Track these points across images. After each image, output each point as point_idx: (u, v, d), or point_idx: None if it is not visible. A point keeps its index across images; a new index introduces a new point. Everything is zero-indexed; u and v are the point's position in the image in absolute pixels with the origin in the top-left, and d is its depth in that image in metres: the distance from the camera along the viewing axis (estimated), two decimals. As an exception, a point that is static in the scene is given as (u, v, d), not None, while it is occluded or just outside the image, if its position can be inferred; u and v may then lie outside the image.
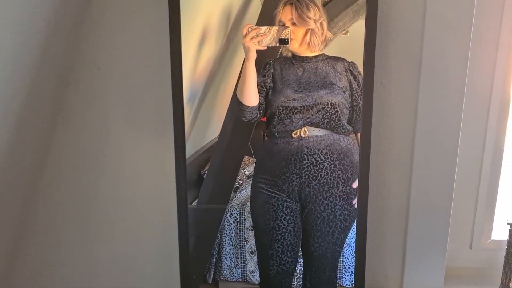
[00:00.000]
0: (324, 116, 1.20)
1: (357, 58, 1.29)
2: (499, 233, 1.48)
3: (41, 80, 1.14)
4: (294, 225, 1.28)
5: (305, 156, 1.21)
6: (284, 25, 1.19)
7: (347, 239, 1.35)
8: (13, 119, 1.08)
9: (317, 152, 1.21)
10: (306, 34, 1.20)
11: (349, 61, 1.24)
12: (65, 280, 1.50)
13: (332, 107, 1.19)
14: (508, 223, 1.31)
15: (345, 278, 1.41)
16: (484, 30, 1.29)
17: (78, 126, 1.36)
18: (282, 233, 1.29)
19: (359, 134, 1.25)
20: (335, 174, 1.22)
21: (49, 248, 1.47)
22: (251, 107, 1.22)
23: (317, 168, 1.21)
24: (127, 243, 1.47)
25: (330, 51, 1.28)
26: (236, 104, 1.23)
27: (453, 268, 1.47)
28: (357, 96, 1.23)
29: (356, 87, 1.22)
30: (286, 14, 1.19)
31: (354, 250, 1.32)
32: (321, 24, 1.20)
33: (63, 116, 1.35)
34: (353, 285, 1.38)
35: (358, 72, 1.23)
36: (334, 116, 1.20)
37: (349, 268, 1.40)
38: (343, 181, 1.23)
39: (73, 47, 1.27)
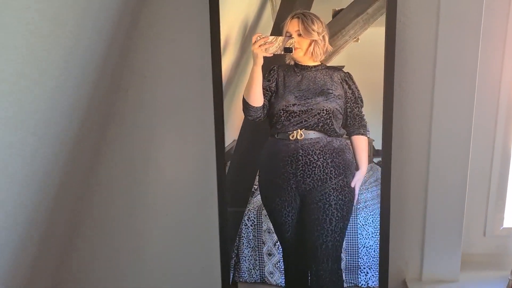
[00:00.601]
0: (319, 120, 1.29)
1: (368, 64, 1.37)
2: (510, 221, 1.52)
3: (96, 88, 1.24)
4: (298, 218, 1.38)
5: (300, 157, 1.31)
6: (290, 35, 1.28)
7: (362, 240, 1.42)
8: (76, 122, 1.18)
9: (311, 153, 1.31)
10: (310, 44, 1.29)
11: (345, 71, 1.33)
12: (114, 267, 1.59)
13: (327, 112, 1.29)
14: (518, 210, 1.37)
15: (360, 278, 1.45)
16: (492, 34, 1.34)
17: (127, 128, 1.45)
18: (288, 227, 1.39)
19: (353, 137, 1.35)
20: (327, 170, 1.31)
21: (99, 240, 1.56)
22: (256, 107, 1.31)
23: (311, 167, 1.31)
24: (170, 234, 1.54)
25: (342, 57, 1.35)
26: (243, 104, 1.33)
27: (469, 255, 1.52)
28: (351, 103, 1.32)
29: (351, 95, 1.32)
30: (293, 26, 1.28)
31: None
32: (323, 37, 1.29)
33: (114, 119, 1.44)
34: (368, 285, 1.44)
35: (353, 82, 1.32)
36: (328, 121, 1.29)
37: (364, 268, 1.44)
38: (335, 175, 1.32)
39: (123, 58, 1.37)
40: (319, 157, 1.31)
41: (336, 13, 1.33)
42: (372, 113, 1.40)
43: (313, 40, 1.29)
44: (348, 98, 1.32)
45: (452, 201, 1.39)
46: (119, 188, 1.50)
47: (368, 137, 1.42)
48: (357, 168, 1.37)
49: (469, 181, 1.37)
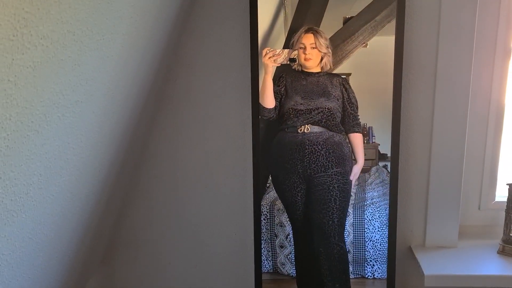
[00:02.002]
0: (322, 117, 1.45)
1: (375, 66, 1.49)
2: (501, 196, 1.59)
3: (149, 78, 1.34)
4: (305, 199, 1.51)
5: (307, 147, 1.46)
6: (305, 48, 1.43)
7: (368, 234, 1.51)
8: (131, 106, 1.27)
9: (315, 144, 1.46)
10: (321, 56, 1.44)
11: (343, 77, 1.47)
12: (159, 232, 1.68)
13: (328, 110, 1.45)
14: (507, 184, 1.47)
15: (367, 270, 1.53)
16: (483, 44, 1.46)
17: (174, 113, 1.56)
18: (298, 206, 1.52)
19: (350, 135, 1.49)
20: (330, 159, 1.46)
21: (146, 212, 1.67)
22: (269, 108, 1.48)
23: (315, 155, 1.46)
24: (208, 204, 1.64)
25: (351, 62, 1.47)
26: (259, 107, 1.48)
27: (466, 226, 1.61)
28: (347, 104, 1.47)
29: (347, 97, 1.47)
30: (308, 39, 1.43)
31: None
32: (330, 50, 1.44)
33: (163, 105, 1.56)
34: (374, 276, 1.52)
35: (349, 85, 1.47)
36: (329, 117, 1.46)
37: (370, 261, 1.52)
38: (336, 164, 1.46)
39: (172, 52, 1.48)
40: (322, 147, 1.45)
41: (346, 20, 1.45)
42: (377, 118, 1.53)
43: (324, 53, 1.44)
44: (345, 99, 1.47)
45: (450, 179, 1.48)
46: (167, 162, 1.61)
47: (369, 143, 1.55)
48: (355, 162, 1.50)
49: (465, 162, 1.47)
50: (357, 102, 1.48)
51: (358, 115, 1.48)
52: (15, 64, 0.67)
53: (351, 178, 1.48)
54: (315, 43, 1.43)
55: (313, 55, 1.45)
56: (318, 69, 1.47)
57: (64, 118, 0.89)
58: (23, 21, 0.65)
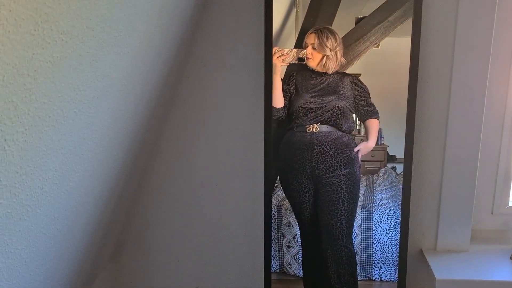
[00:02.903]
0: (332, 115, 1.45)
1: (387, 67, 1.50)
2: None
3: (163, 76, 1.35)
4: (313, 200, 1.51)
5: (315, 147, 1.46)
6: (307, 47, 1.43)
7: (376, 236, 1.51)
8: (145, 103, 1.28)
9: (324, 144, 1.46)
10: (322, 58, 1.44)
11: (353, 75, 1.46)
12: (168, 229, 1.70)
13: (338, 109, 1.45)
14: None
15: (374, 272, 1.53)
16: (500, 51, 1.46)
17: (186, 111, 1.58)
18: (306, 207, 1.53)
19: (367, 121, 1.48)
20: (338, 159, 1.46)
21: (156, 209, 1.68)
22: (278, 108, 1.48)
23: (324, 155, 1.46)
24: (217, 202, 1.64)
25: (362, 62, 1.47)
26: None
27: (478, 230, 1.61)
28: (360, 96, 1.46)
29: (358, 92, 1.46)
30: (310, 39, 1.44)
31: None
32: (335, 52, 1.43)
33: (176, 103, 1.57)
34: (382, 279, 1.52)
35: (360, 82, 1.46)
36: (339, 116, 1.45)
37: (378, 263, 1.52)
38: (344, 164, 1.46)
39: (186, 50, 1.49)
40: (331, 147, 1.45)
41: (358, 20, 1.45)
42: (387, 119, 1.52)
43: (325, 55, 1.44)
44: (357, 94, 1.46)
45: (464, 182, 1.48)
46: (178, 160, 1.62)
47: (378, 144, 1.54)
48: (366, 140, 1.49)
49: (479, 166, 1.46)
50: (369, 94, 1.47)
51: (373, 104, 1.47)
52: (35, 59, 0.67)
53: (355, 150, 1.47)
54: (315, 43, 1.43)
55: (314, 56, 1.45)
56: (324, 69, 1.47)
57: (80, 113, 0.90)
58: (45, 16, 0.65)
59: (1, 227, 0.80)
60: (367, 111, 1.48)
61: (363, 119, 1.50)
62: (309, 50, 1.44)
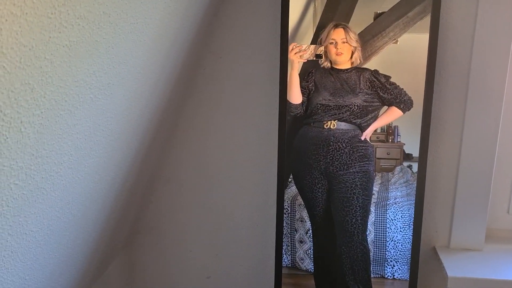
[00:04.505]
0: (350, 113, 1.44)
1: (404, 64, 1.49)
2: None
3: (178, 65, 1.35)
4: (326, 196, 1.51)
5: (331, 143, 1.46)
6: (336, 43, 1.43)
7: (390, 234, 1.51)
8: (160, 92, 1.29)
9: (340, 141, 1.46)
10: (352, 51, 1.44)
11: (372, 70, 1.45)
12: (181, 219, 1.71)
13: (357, 107, 1.44)
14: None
15: (387, 270, 1.53)
16: None
17: (201, 102, 1.59)
18: (318, 202, 1.53)
19: (390, 107, 1.45)
20: (353, 157, 1.46)
21: (169, 199, 1.69)
22: (296, 104, 1.49)
23: (339, 152, 1.46)
24: (231, 193, 1.65)
25: (380, 58, 1.46)
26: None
27: (493, 229, 1.59)
28: (383, 88, 1.44)
29: (380, 84, 1.44)
30: (339, 34, 1.43)
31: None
32: (359, 45, 1.44)
33: (191, 93, 1.58)
34: (394, 277, 1.51)
35: (379, 75, 1.44)
36: (358, 113, 1.45)
37: (391, 261, 1.52)
38: (359, 161, 1.46)
39: (202, 41, 1.51)
40: (347, 145, 1.45)
41: (377, 16, 1.44)
42: (403, 117, 1.48)
43: (354, 47, 1.44)
44: (378, 87, 1.44)
45: (479, 180, 1.47)
46: (192, 151, 1.63)
47: (394, 142, 1.54)
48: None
49: (496, 164, 1.45)
50: (393, 85, 1.44)
51: (399, 94, 1.44)
52: (51, 42, 0.68)
53: (362, 138, 1.47)
54: (346, 38, 1.43)
55: (345, 50, 1.45)
56: (347, 65, 1.46)
57: (96, 99, 0.91)
58: (62, -1, 0.66)
59: (16, 208, 0.82)
60: (391, 102, 1.46)
61: (389, 105, 1.48)
62: (340, 45, 1.43)
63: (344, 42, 1.44)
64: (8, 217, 0.80)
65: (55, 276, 1.14)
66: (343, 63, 1.47)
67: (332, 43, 1.44)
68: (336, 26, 1.43)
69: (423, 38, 1.37)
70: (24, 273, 0.97)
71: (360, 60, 1.45)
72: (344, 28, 1.43)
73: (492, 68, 1.39)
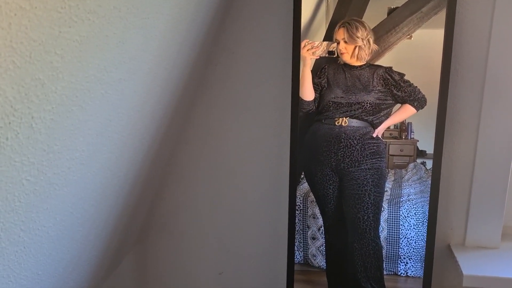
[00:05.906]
0: (362, 111, 1.44)
1: (418, 60, 1.47)
2: None
3: (189, 61, 1.35)
4: (337, 193, 1.51)
5: (342, 140, 1.45)
6: (338, 42, 1.43)
7: (403, 231, 1.49)
8: (171, 88, 1.29)
9: (351, 138, 1.45)
10: (355, 49, 1.43)
11: (386, 67, 1.44)
12: (192, 214, 1.70)
13: (369, 104, 1.43)
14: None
15: (400, 267, 1.51)
16: None
17: (212, 98, 1.57)
18: (330, 199, 1.53)
19: (404, 104, 1.43)
20: (364, 153, 1.45)
21: (181, 196, 1.69)
22: (308, 101, 1.48)
23: (351, 149, 1.45)
24: (241, 191, 1.64)
25: (393, 54, 1.44)
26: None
27: (509, 227, 1.55)
28: (396, 86, 1.42)
29: (394, 82, 1.42)
30: (340, 34, 1.43)
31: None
32: (368, 40, 1.42)
33: (203, 90, 1.57)
34: (407, 274, 1.50)
35: (393, 72, 1.42)
36: (370, 111, 1.43)
37: (404, 258, 1.50)
38: (371, 158, 1.45)
39: (213, 37, 1.49)
40: (358, 142, 1.45)
41: (391, 11, 1.42)
42: (417, 113, 1.45)
43: (357, 45, 1.43)
44: (392, 85, 1.43)
45: (496, 177, 1.43)
46: (204, 147, 1.63)
47: (407, 139, 1.52)
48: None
49: None
50: (407, 82, 1.43)
51: (413, 92, 1.43)
52: (61, 37, 0.68)
53: (374, 135, 1.46)
54: (345, 37, 1.42)
55: (348, 49, 1.44)
56: (359, 62, 1.45)
57: (107, 95, 0.91)
58: (72, -6, 0.65)
59: (28, 204, 0.82)
60: (404, 99, 1.44)
61: (402, 102, 1.46)
62: (341, 45, 1.43)
63: (345, 42, 1.43)
64: (21, 212, 0.81)
65: (68, 272, 1.15)
66: (349, 61, 1.46)
67: (338, 42, 1.44)
68: (341, 25, 1.43)
69: (438, 33, 1.35)
70: (37, 268, 0.97)
71: (365, 57, 1.43)
72: (345, 27, 1.42)
73: (510, 63, 1.37)
